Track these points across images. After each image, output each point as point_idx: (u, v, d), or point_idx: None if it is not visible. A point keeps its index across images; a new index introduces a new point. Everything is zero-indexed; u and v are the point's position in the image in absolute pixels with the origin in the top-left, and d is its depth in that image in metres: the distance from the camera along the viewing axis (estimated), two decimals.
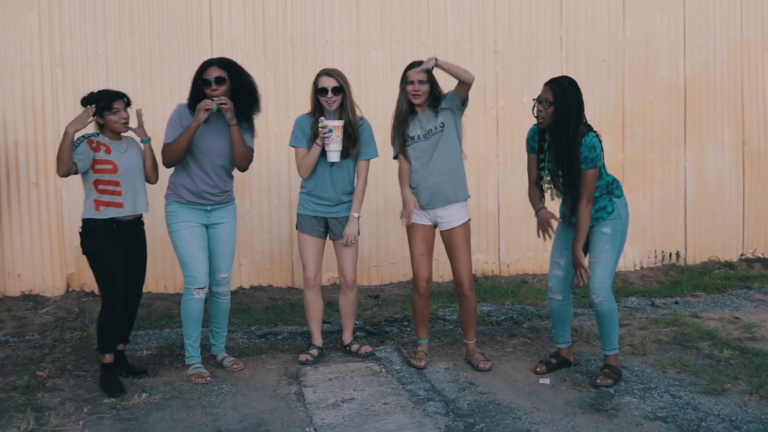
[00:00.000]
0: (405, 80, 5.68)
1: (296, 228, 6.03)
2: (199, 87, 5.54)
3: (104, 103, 5.39)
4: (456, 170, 5.72)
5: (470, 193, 5.93)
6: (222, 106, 5.41)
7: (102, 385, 5.36)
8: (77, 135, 5.27)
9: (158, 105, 7.62)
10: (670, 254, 8.97)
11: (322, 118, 5.69)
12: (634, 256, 8.86)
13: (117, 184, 5.38)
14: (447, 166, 5.69)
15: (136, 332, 6.74)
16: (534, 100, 5.35)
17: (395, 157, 5.85)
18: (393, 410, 4.90)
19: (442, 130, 5.67)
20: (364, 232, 8.22)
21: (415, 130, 5.70)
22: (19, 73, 7.53)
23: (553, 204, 5.65)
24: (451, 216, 5.74)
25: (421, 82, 5.63)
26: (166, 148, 5.53)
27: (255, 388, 5.40)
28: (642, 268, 8.89)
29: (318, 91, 5.76)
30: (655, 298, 7.83)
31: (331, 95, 5.72)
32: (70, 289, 7.71)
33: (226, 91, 5.53)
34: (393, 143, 5.82)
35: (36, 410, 4.99)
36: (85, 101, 5.43)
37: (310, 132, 5.82)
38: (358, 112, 5.88)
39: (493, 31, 8.45)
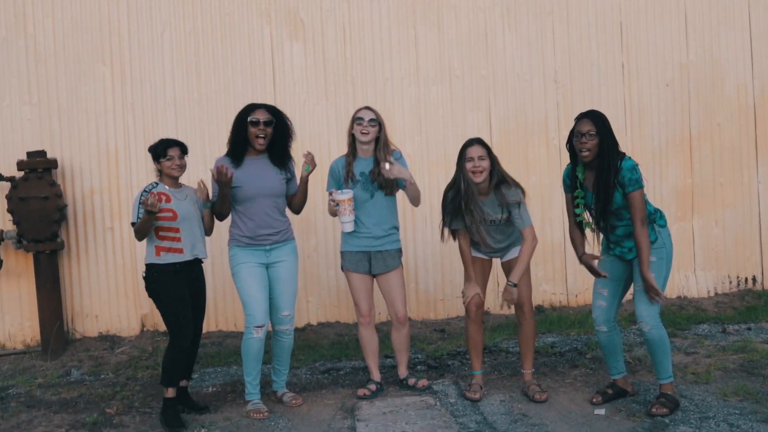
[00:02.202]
0: (463, 158, 5.72)
1: (341, 268, 6.18)
2: (243, 128, 5.79)
3: (160, 150, 5.69)
4: (514, 232, 5.85)
5: (534, 224, 5.99)
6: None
7: (163, 420, 5.59)
8: (138, 187, 5.59)
9: (224, 146, 7.89)
10: (746, 279, 8.77)
11: (333, 190, 5.87)
12: (708, 282, 8.70)
13: (176, 230, 5.65)
14: (507, 234, 5.85)
15: (204, 369, 7.00)
16: (576, 136, 5.35)
17: (451, 231, 5.91)
18: None
19: (506, 223, 5.78)
20: (429, 266, 8.32)
21: (489, 215, 5.76)
22: (94, 121, 7.97)
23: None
24: (512, 250, 5.91)
25: (481, 158, 5.66)
26: (213, 208, 5.90)
27: (310, 422, 5.55)
28: (716, 294, 8.72)
29: (355, 121, 5.93)
30: (727, 324, 7.68)
31: (366, 124, 5.88)
32: (145, 329, 8.04)
33: (270, 135, 5.79)
34: (451, 219, 5.83)
35: None
36: (150, 149, 5.75)
37: (343, 174, 5.99)
38: (392, 146, 6.04)
39: (552, 60, 8.50)
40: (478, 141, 5.75)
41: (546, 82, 8.50)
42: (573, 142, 5.40)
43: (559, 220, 8.46)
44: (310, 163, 5.87)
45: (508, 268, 5.90)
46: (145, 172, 7.87)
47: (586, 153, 5.30)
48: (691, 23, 8.67)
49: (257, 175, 5.82)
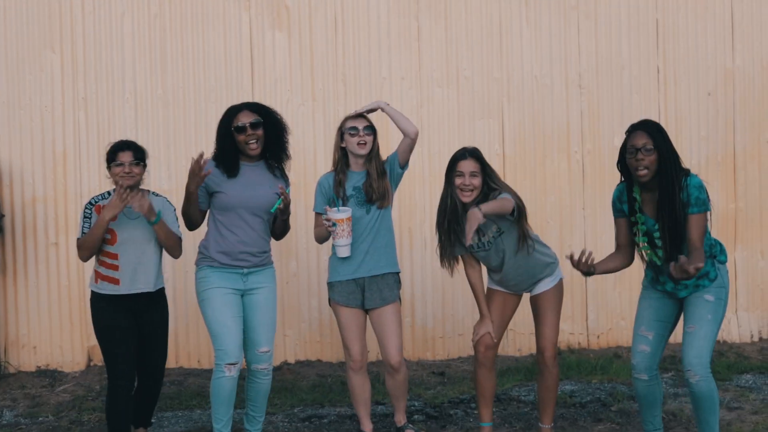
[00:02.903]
0: (453, 171, 5.65)
1: (329, 303, 6.05)
2: (229, 136, 5.71)
3: (109, 153, 5.57)
4: (536, 260, 5.74)
5: (553, 251, 5.94)
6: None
7: None
8: (87, 196, 5.48)
9: (192, 151, 7.77)
10: None
11: (327, 207, 5.77)
12: (751, 324, 8.67)
13: (114, 257, 5.52)
14: (524, 263, 5.73)
15: (162, 413, 6.88)
16: (630, 152, 5.25)
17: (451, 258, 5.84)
18: None
19: (500, 235, 5.67)
20: (428, 298, 8.24)
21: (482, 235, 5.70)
22: (39, 118, 7.87)
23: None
24: (541, 282, 5.84)
25: (473, 174, 5.59)
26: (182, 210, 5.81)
27: None
28: (761, 339, 8.68)
29: (348, 131, 5.84)
30: None
31: (363, 134, 5.81)
32: (92, 364, 7.92)
33: (262, 137, 5.71)
34: (446, 242, 5.76)
35: None
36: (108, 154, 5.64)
37: (333, 193, 5.90)
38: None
39: (577, 62, 8.47)
40: (472, 153, 5.64)
41: (569, 87, 8.47)
42: (626, 160, 5.29)
43: (580, 247, 8.37)
44: (283, 197, 5.75)
45: (536, 304, 5.82)
46: (99, 178, 7.75)
47: (644, 171, 5.17)
48: (738, 23, 8.68)
49: (249, 184, 5.73)
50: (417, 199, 8.22)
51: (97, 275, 5.52)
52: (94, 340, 7.78)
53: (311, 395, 7.30)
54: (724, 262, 5.38)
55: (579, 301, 8.47)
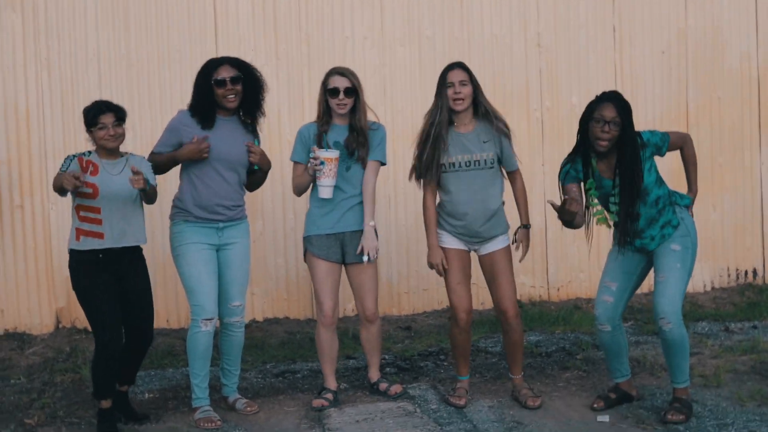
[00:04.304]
0: (444, 83, 5.72)
1: (305, 255, 6.02)
2: (207, 89, 5.68)
3: (90, 117, 5.49)
4: (500, 208, 5.86)
5: (514, 208, 6.00)
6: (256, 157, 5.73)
7: None
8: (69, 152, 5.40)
9: (157, 112, 7.79)
10: (746, 272, 8.96)
11: (314, 147, 5.76)
12: (704, 275, 8.85)
13: (97, 211, 5.44)
14: (490, 206, 5.79)
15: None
16: (596, 120, 5.32)
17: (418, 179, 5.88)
18: None
19: (492, 167, 5.76)
20: (392, 254, 8.29)
21: (455, 154, 5.71)
22: (0, 78, 7.69)
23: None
24: (491, 242, 5.86)
25: (462, 83, 5.68)
26: (152, 157, 5.76)
27: None
28: (713, 288, 8.88)
29: (328, 92, 5.84)
30: (729, 322, 7.82)
31: (343, 97, 5.81)
32: (60, 326, 7.83)
33: (240, 92, 5.70)
34: (421, 168, 5.79)
35: None
36: (84, 113, 5.55)
37: (314, 142, 5.87)
38: (372, 117, 5.99)
39: (536, 22, 8.53)
40: (460, 65, 5.74)
41: (528, 46, 8.53)
42: (588, 127, 5.37)
43: (540, 204, 8.49)
44: (257, 161, 5.79)
45: (489, 265, 5.86)
46: (63, 139, 7.68)
47: (605, 144, 5.30)
48: None
49: (225, 138, 5.72)
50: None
51: (78, 232, 5.43)
52: (62, 302, 7.77)
53: (281, 351, 7.33)
54: (687, 206, 5.50)
55: (539, 255, 8.57)
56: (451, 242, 5.85)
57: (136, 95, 7.83)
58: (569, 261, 8.64)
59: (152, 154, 5.78)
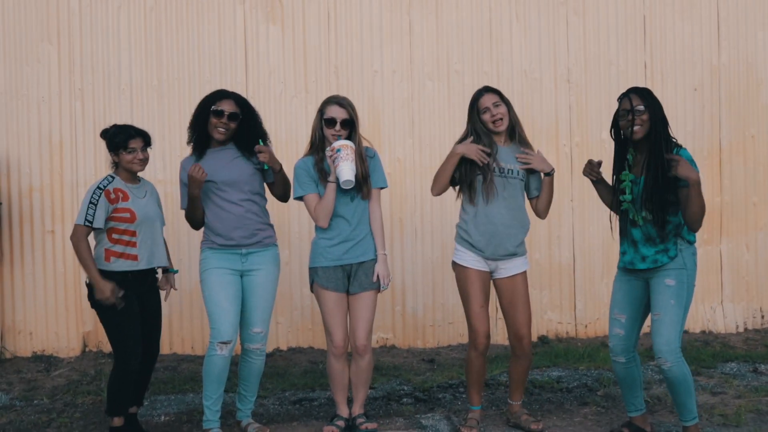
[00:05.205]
0: (477, 110, 5.80)
1: (312, 286, 5.97)
2: (205, 114, 5.77)
3: (119, 141, 5.61)
4: (524, 225, 5.89)
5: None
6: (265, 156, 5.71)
7: None
8: (91, 180, 5.49)
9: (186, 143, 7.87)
10: None
11: (329, 147, 5.73)
12: (737, 315, 8.71)
13: (133, 234, 5.58)
14: (516, 218, 5.81)
15: (156, 396, 6.90)
16: (621, 115, 5.37)
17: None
18: None
19: (522, 179, 5.84)
20: (418, 287, 8.28)
21: (504, 162, 5.81)
22: (36, 108, 7.91)
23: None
24: (511, 263, 5.84)
25: (496, 105, 5.77)
26: (186, 216, 5.87)
27: None
28: (746, 330, 8.73)
29: (325, 122, 5.80)
30: (759, 363, 7.66)
31: (340, 128, 5.76)
32: (87, 350, 7.94)
33: (233, 130, 5.78)
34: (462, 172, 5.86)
35: None
36: (104, 134, 5.69)
37: (317, 174, 5.82)
38: (365, 143, 5.94)
39: (565, 57, 8.54)
40: (489, 89, 5.85)
41: (558, 82, 8.54)
42: (618, 124, 5.43)
43: (568, 240, 8.45)
44: (267, 159, 5.75)
45: (510, 289, 5.84)
46: (94, 168, 7.81)
47: (638, 128, 5.29)
48: (723, 20, 8.75)
49: (219, 162, 5.76)
50: (408, 190, 8.27)
51: (109, 253, 5.53)
52: (89, 327, 7.87)
53: (302, 380, 7.32)
54: (691, 243, 5.40)
55: (567, 291, 8.51)
56: (473, 262, 5.84)
57: (167, 125, 7.97)
58: (597, 298, 8.55)
59: (185, 212, 5.85)
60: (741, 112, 8.74)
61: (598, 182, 5.69)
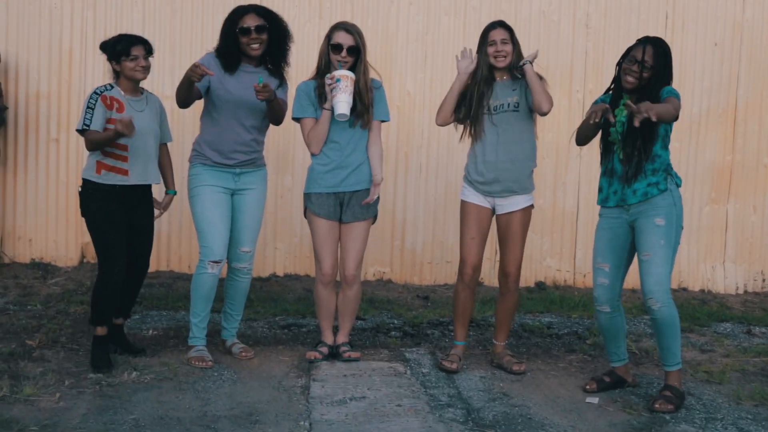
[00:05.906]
0: (485, 41, 5.81)
1: (305, 212, 5.98)
2: (233, 36, 5.70)
3: (121, 48, 5.56)
4: (529, 163, 5.87)
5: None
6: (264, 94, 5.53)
7: (91, 360, 5.54)
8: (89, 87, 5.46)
9: (197, 57, 7.75)
10: None
11: (328, 76, 5.67)
12: (737, 277, 8.66)
13: (125, 148, 5.52)
14: (512, 153, 5.76)
15: (147, 312, 6.98)
16: (629, 60, 5.29)
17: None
18: (405, 413, 4.93)
19: (516, 110, 5.75)
20: (419, 222, 8.26)
21: (495, 99, 5.79)
22: (48, 14, 7.87)
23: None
24: (509, 200, 5.83)
25: (504, 41, 5.76)
26: (177, 91, 5.72)
27: (259, 378, 5.51)
28: (745, 292, 8.68)
29: (331, 47, 5.75)
30: (754, 326, 7.62)
31: (345, 54, 5.71)
32: (84, 261, 8.00)
33: (265, 41, 5.70)
34: (458, 112, 5.88)
35: (13, 378, 5.20)
36: (103, 46, 5.64)
37: (317, 99, 5.80)
38: (373, 74, 5.88)
39: (586, 2, 8.40)
40: (501, 24, 5.84)
41: (576, 26, 8.41)
42: (622, 63, 5.37)
43: (574, 186, 8.39)
44: (266, 97, 5.60)
45: (505, 225, 5.84)
46: (102, 77, 7.73)
47: (632, 80, 5.24)
48: None
49: (246, 84, 5.67)
50: (416, 124, 8.21)
51: (100, 165, 5.49)
52: (88, 237, 7.85)
53: (295, 306, 7.37)
54: (677, 186, 5.34)
55: (568, 239, 8.47)
56: (472, 197, 5.86)
57: (178, 40, 7.96)
58: None
59: (177, 89, 5.73)
60: (761, 71, 8.57)
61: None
